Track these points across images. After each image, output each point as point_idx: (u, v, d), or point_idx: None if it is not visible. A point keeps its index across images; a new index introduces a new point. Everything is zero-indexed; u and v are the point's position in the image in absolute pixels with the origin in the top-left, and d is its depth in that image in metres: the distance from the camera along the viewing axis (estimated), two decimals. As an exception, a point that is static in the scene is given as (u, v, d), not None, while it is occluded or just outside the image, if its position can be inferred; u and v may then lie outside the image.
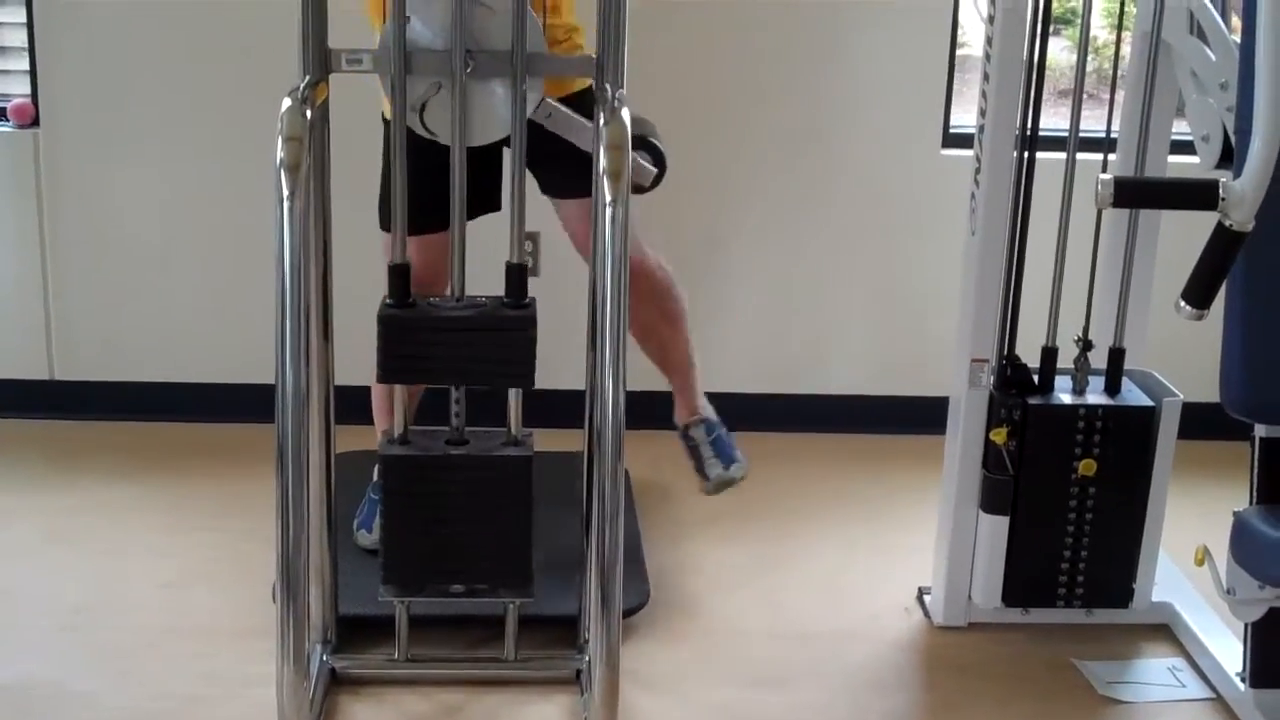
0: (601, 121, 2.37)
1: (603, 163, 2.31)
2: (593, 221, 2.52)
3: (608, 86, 2.45)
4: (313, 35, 2.43)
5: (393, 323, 2.49)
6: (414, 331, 2.50)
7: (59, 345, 3.88)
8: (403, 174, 2.46)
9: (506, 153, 2.54)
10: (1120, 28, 2.88)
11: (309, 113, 2.33)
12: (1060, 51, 2.84)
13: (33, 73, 3.74)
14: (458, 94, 2.43)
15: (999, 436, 2.80)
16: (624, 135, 2.32)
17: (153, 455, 3.70)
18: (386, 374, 2.52)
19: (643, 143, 2.76)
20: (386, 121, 2.93)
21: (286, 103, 2.31)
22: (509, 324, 2.50)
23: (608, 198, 2.28)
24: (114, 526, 3.33)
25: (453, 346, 2.50)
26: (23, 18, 3.69)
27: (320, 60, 2.45)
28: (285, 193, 2.24)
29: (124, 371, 3.90)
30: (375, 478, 3.10)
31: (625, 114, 2.35)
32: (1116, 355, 2.89)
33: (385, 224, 2.94)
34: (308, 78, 2.42)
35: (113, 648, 2.83)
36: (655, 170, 2.79)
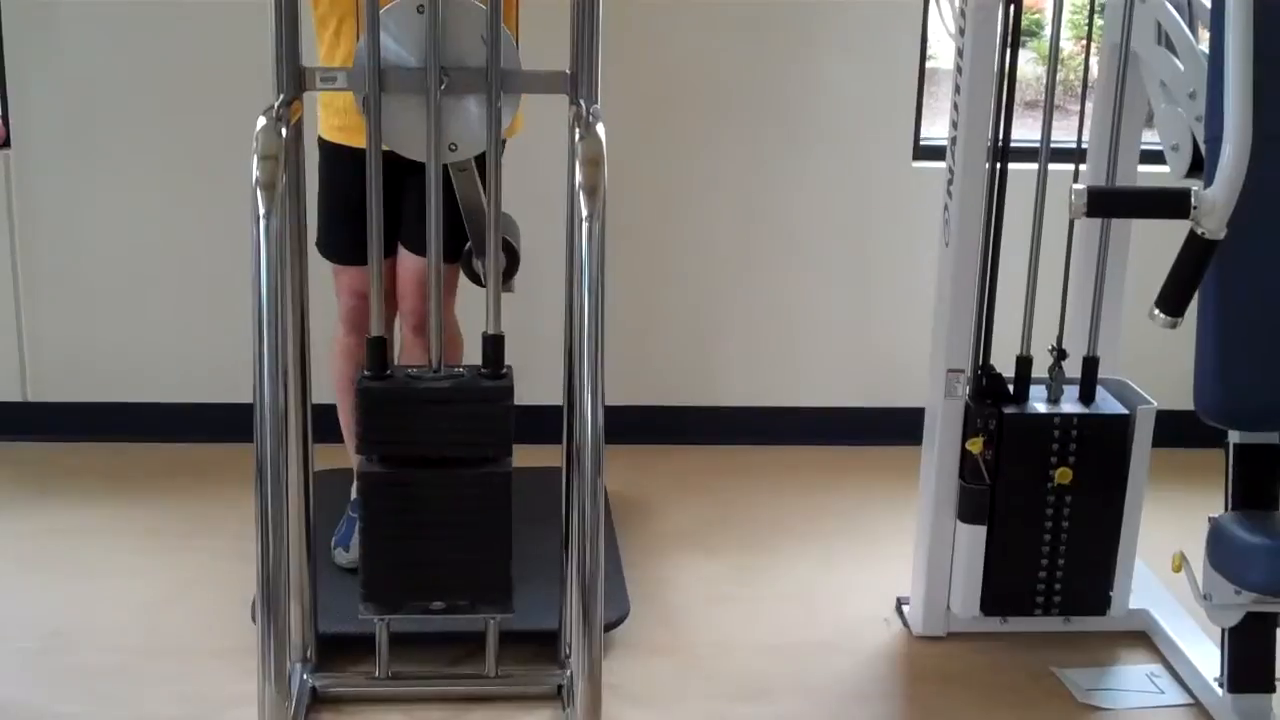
0: (577, 137, 2.37)
1: (579, 178, 2.31)
2: (568, 236, 2.52)
3: (581, 102, 2.46)
4: (286, 54, 2.43)
5: (372, 395, 2.51)
6: (393, 404, 2.52)
7: (31, 366, 3.86)
8: (379, 208, 2.45)
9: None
10: (1090, 39, 2.90)
11: (284, 131, 2.33)
12: (1025, 64, 2.87)
13: (3, 94, 3.73)
14: (433, 111, 2.43)
15: (975, 446, 2.82)
16: (600, 151, 2.32)
17: (126, 476, 3.69)
18: (367, 445, 2.53)
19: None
20: (323, 142, 2.95)
21: (261, 121, 2.31)
22: (486, 395, 2.53)
23: (584, 212, 2.28)
24: (89, 548, 3.31)
25: (431, 418, 2.52)
26: (-8, 39, 3.69)
27: (294, 79, 2.45)
28: (261, 211, 2.23)
29: (97, 392, 3.88)
30: (353, 495, 3.11)
31: (600, 129, 2.35)
32: (1090, 364, 2.91)
33: (327, 252, 2.97)
34: (282, 96, 2.42)
35: (91, 670, 2.81)
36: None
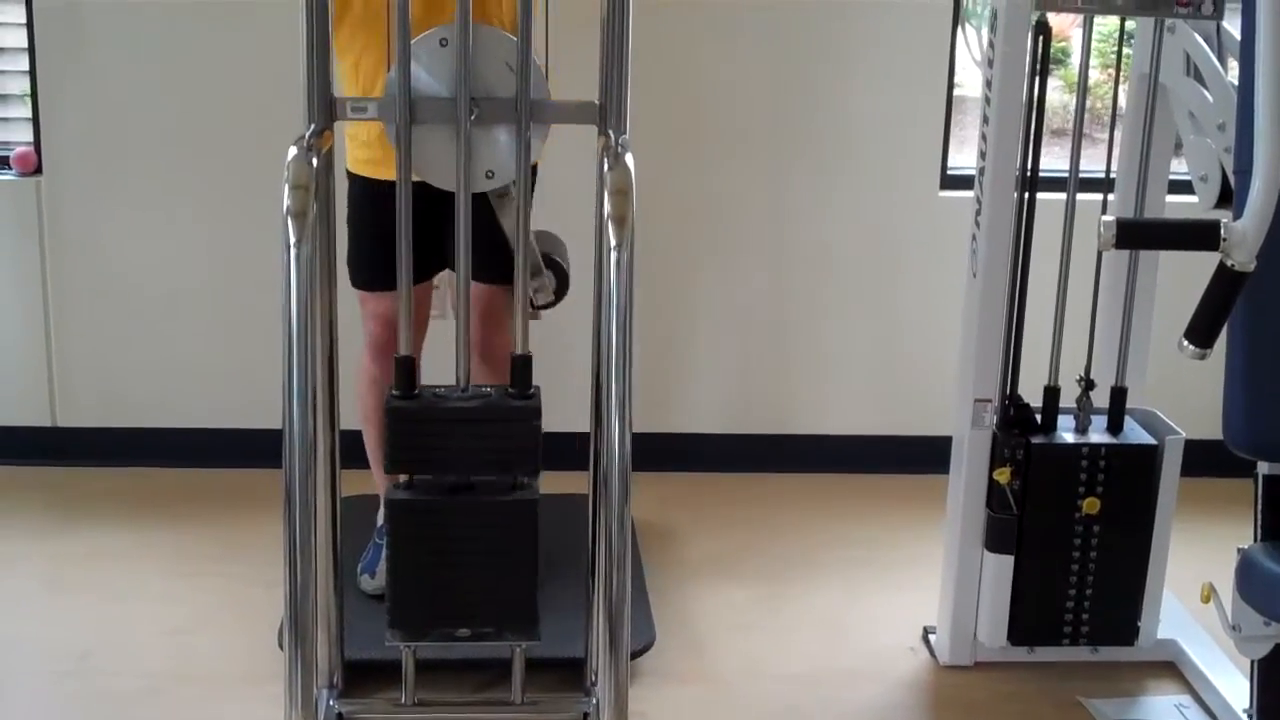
0: (605, 167, 2.38)
1: (607, 207, 2.32)
2: (597, 265, 2.53)
3: (611, 132, 2.47)
4: (317, 84, 2.44)
5: (400, 415, 2.51)
6: (421, 424, 2.52)
7: (61, 392, 3.89)
8: (408, 231, 2.45)
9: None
10: (1119, 69, 2.90)
11: (315, 161, 2.34)
12: (1050, 92, 2.89)
13: (35, 121, 3.76)
14: (463, 141, 2.44)
15: (1003, 476, 2.81)
16: (628, 181, 2.32)
17: (154, 501, 3.70)
18: (395, 465, 2.53)
19: (549, 262, 2.82)
20: (352, 175, 2.96)
21: (293, 151, 2.31)
22: (514, 415, 2.52)
23: (613, 242, 2.28)
24: (117, 573, 3.32)
25: (460, 438, 2.52)
26: (25, 65, 3.72)
27: (325, 109, 2.46)
28: (292, 240, 2.24)
29: (126, 418, 3.90)
30: (380, 522, 3.12)
31: (629, 160, 2.36)
32: (1119, 394, 2.90)
33: (356, 280, 2.98)
34: (313, 126, 2.43)
35: (118, 695, 2.82)
36: (552, 297, 2.88)
